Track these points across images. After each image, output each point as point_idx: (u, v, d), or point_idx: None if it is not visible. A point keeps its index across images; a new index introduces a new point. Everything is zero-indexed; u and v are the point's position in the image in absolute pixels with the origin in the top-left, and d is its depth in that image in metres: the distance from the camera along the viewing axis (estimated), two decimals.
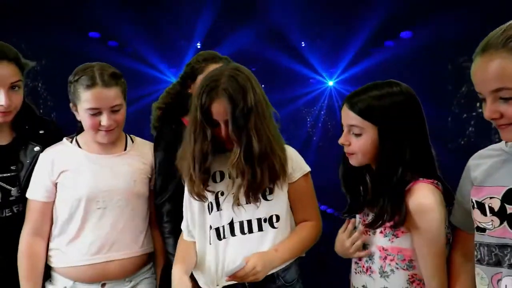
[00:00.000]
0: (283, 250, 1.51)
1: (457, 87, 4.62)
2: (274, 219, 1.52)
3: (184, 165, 1.51)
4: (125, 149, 1.75)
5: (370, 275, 1.43)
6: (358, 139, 1.37)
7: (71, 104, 1.67)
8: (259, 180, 1.45)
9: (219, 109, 1.42)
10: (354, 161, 1.42)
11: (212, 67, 1.75)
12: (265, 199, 1.51)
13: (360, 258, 1.48)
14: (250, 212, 1.50)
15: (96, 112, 1.60)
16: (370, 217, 1.43)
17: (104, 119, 1.60)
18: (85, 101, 1.59)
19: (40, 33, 4.74)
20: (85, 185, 1.63)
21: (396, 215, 1.32)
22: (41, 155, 1.68)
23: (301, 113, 7.34)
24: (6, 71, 1.55)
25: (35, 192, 1.65)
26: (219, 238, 1.51)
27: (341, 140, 1.42)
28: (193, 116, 1.47)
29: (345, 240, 1.46)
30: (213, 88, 1.42)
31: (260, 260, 1.44)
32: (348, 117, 1.38)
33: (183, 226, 1.62)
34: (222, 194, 1.52)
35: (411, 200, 1.31)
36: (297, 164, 1.56)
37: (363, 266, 1.46)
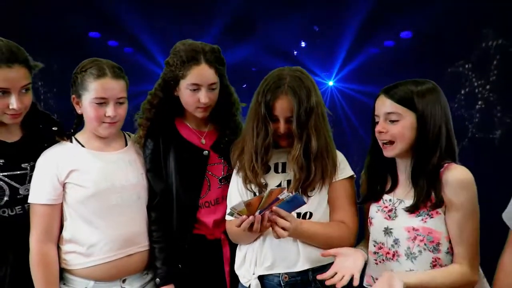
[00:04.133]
0: (304, 227, 1.52)
1: (458, 86, 4.64)
2: (307, 216, 1.57)
3: (245, 158, 1.58)
4: (125, 145, 1.79)
5: (397, 259, 1.47)
6: (395, 125, 1.45)
7: (73, 97, 1.69)
8: (311, 178, 1.53)
9: (284, 105, 1.51)
10: (390, 152, 1.48)
11: (194, 69, 1.68)
12: (308, 196, 1.56)
13: (380, 247, 1.51)
14: None
15: (102, 102, 1.63)
16: (391, 202, 1.51)
17: (109, 110, 1.63)
18: (93, 90, 1.62)
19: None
20: (98, 182, 1.64)
21: (432, 195, 1.41)
22: (42, 158, 1.65)
23: None
24: (17, 75, 1.56)
25: (42, 195, 1.61)
26: None
27: (378, 128, 1.48)
28: (254, 112, 1.56)
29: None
30: (279, 86, 1.51)
31: (295, 220, 1.48)
32: (385, 105, 1.46)
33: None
34: (266, 186, 1.58)
35: (451, 176, 1.40)
36: (342, 166, 1.62)
37: (388, 253, 1.49)
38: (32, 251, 1.60)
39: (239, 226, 1.41)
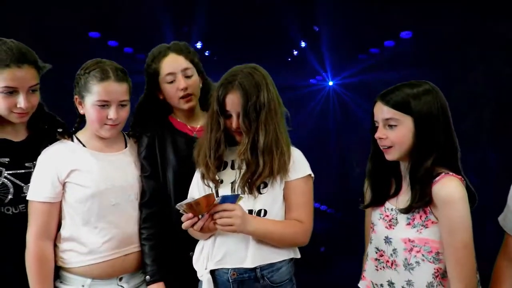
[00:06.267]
0: (259, 222, 1.53)
1: (457, 85, 4.66)
2: (262, 213, 1.56)
3: (201, 153, 1.61)
4: (125, 146, 1.81)
5: (395, 268, 1.47)
6: (394, 130, 1.44)
7: (76, 97, 1.70)
8: (259, 172, 1.53)
9: (233, 100, 1.54)
10: (391, 155, 1.48)
11: (164, 60, 1.80)
12: (259, 192, 1.56)
13: (381, 254, 1.51)
14: (243, 203, 1.53)
15: (104, 105, 1.64)
16: (393, 212, 1.49)
17: (111, 112, 1.65)
18: (95, 93, 1.64)
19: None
20: (98, 182, 1.65)
21: (422, 200, 1.39)
22: (43, 156, 1.67)
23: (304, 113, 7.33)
24: (26, 75, 1.59)
25: (41, 193, 1.62)
26: None
27: (377, 135, 1.47)
28: (211, 108, 1.59)
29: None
30: (230, 82, 1.54)
31: (244, 214, 1.49)
32: (383, 111, 1.45)
33: None
34: (222, 182, 1.60)
35: (440, 190, 1.38)
36: (298, 165, 1.60)
37: (387, 261, 1.49)
38: (29, 248, 1.61)
39: (184, 222, 1.46)
